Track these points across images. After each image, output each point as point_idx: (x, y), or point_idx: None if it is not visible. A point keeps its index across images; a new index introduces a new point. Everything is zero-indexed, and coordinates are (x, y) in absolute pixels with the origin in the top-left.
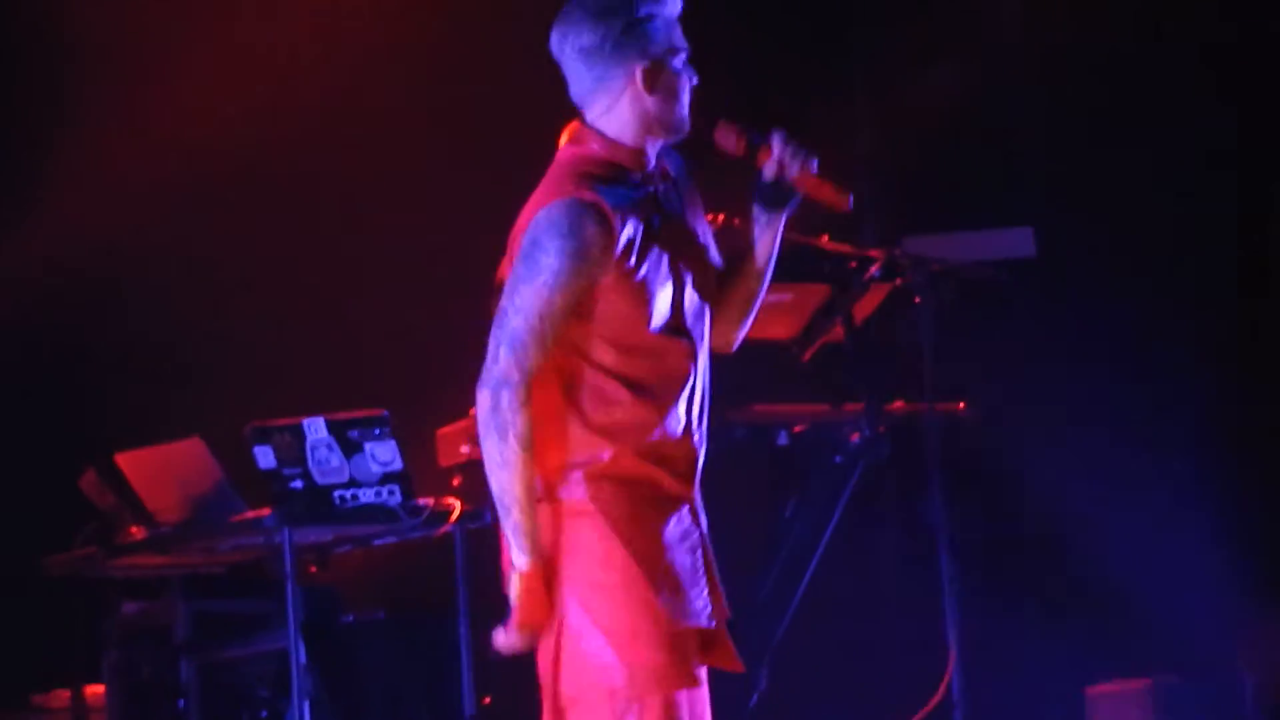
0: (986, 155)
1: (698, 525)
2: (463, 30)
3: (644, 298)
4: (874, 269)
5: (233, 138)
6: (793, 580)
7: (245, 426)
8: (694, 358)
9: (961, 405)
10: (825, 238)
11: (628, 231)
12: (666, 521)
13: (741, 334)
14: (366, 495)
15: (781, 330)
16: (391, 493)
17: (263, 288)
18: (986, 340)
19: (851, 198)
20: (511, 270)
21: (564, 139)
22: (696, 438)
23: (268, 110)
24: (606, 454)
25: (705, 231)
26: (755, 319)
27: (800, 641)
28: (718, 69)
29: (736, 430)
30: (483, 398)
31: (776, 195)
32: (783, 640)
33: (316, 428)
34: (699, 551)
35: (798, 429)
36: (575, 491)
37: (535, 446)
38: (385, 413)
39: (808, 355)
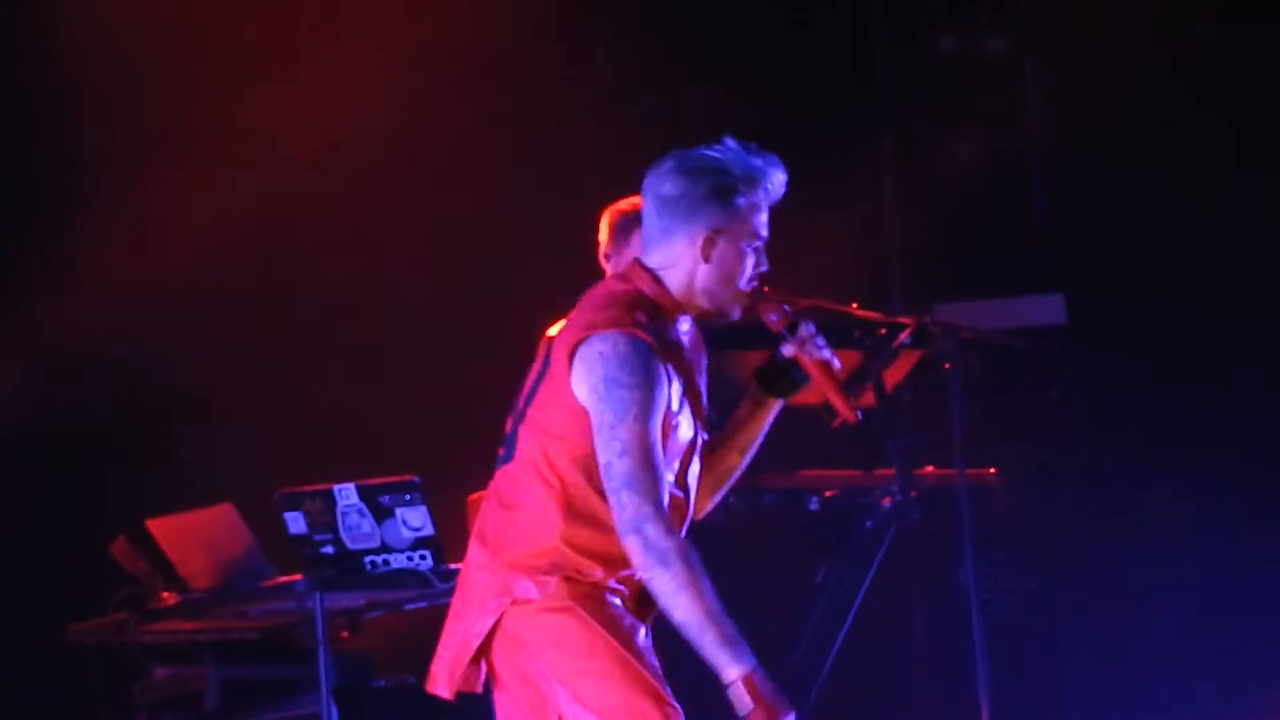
0: (1016, 222)
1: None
2: (500, 106)
3: (665, 444)
4: (904, 336)
5: (261, 206)
6: (825, 644)
7: (276, 493)
8: (686, 514)
9: (993, 471)
10: (855, 305)
11: (668, 378)
12: (636, 630)
13: (711, 505)
14: (398, 560)
15: (812, 396)
16: (423, 558)
17: (294, 354)
18: (1017, 406)
19: (859, 414)
20: (594, 416)
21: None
22: None
23: (297, 179)
24: (592, 574)
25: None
26: None
27: (832, 705)
28: (743, 135)
29: (768, 496)
30: (632, 546)
31: (781, 379)
32: (815, 704)
33: (347, 494)
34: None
35: (829, 494)
36: (553, 591)
37: (521, 546)
38: (416, 478)
39: (838, 421)
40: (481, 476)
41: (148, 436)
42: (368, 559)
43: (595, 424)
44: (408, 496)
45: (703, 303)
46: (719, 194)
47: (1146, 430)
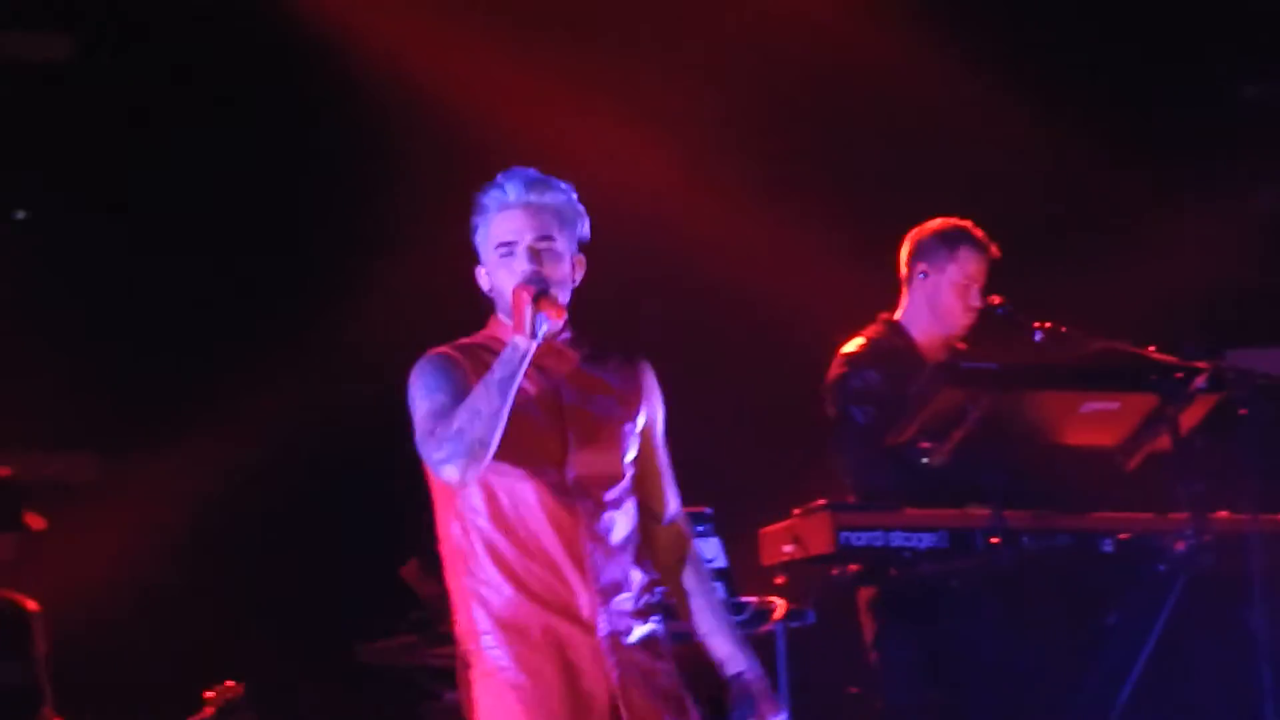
0: None
1: (608, 667)
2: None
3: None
4: (1200, 380)
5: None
6: (1116, 686)
7: None
8: (566, 514)
9: None
10: (1153, 348)
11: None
12: (561, 662)
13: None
14: None
15: (1108, 438)
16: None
17: None
18: None
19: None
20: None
21: None
22: (594, 588)
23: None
24: (500, 603)
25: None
26: (1080, 427)
27: None
28: (1050, 174)
29: (1061, 537)
30: (446, 474)
31: None
32: None
33: None
34: (600, 690)
35: (1122, 536)
36: (480, 647)
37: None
38: (709, 510)
39: (1134, 464)
40: (774, 509)
41: None
42: (659, 589)
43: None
44: (700, 528)
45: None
46: (471, 234)
47: None
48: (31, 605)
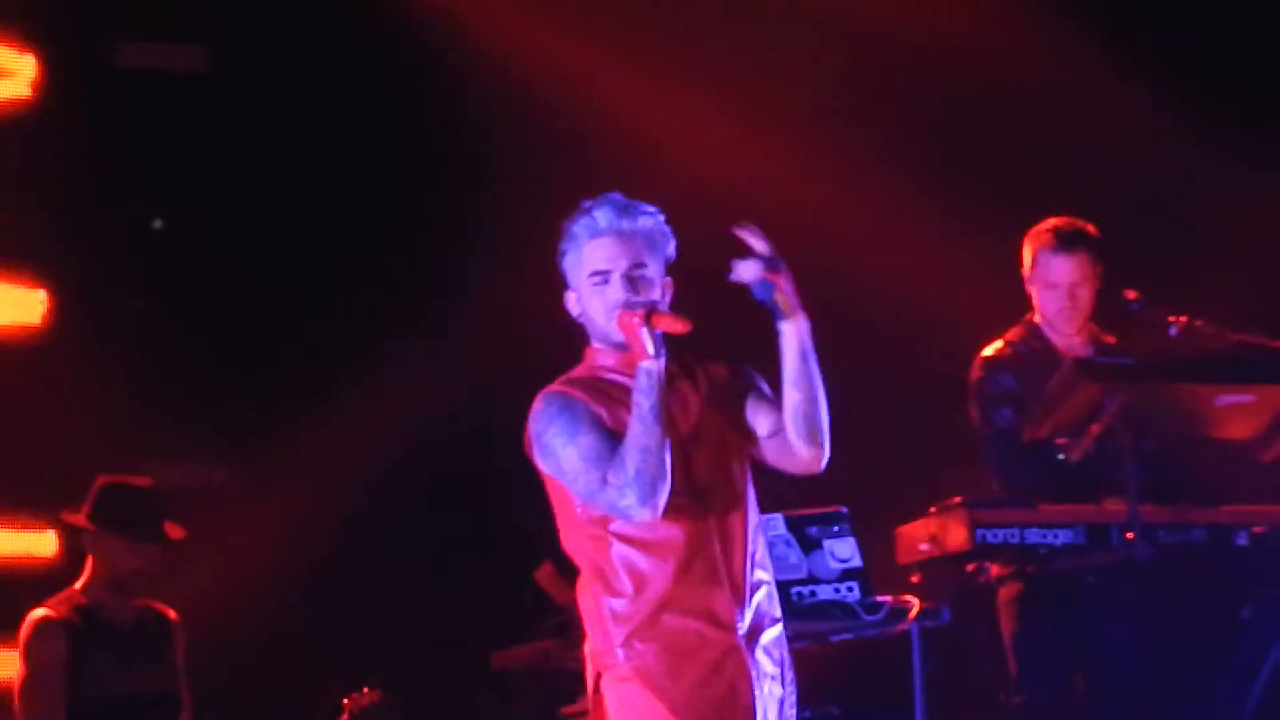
0: None
1: (748, 666)
2: None
3: None
4: None
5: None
6: (1250, 680)
7: None
8: (695, 519)
9: None
10: None
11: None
12: (701, 665)
13: (818, 451)
14: (824, 592)
15: (1242, 430)
16: (850, 589)
17: None
18: None
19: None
20: (552, 475)
21: None
22: (728, 590)
23: None
24: (639, 614)
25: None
26: (1216, 420)
27: None
28: (1167, 162)
29: (1196, 531)
30: (633, 514)
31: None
32: None
33: (775, 524)
34: (742, 687)
35: (1258, 530)
36: (617, 660)
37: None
38: (845, 509)
39: (1269, 456)
40: (910, 507)
41: None
42: (794, 590)
43: (556, 478)
44: (835, 528)
45: (609, 346)
46: (559, 260)
47: None
48: (172, 615)
